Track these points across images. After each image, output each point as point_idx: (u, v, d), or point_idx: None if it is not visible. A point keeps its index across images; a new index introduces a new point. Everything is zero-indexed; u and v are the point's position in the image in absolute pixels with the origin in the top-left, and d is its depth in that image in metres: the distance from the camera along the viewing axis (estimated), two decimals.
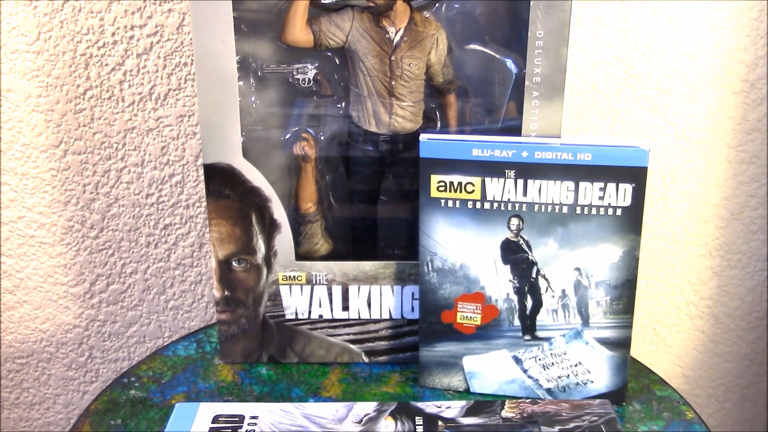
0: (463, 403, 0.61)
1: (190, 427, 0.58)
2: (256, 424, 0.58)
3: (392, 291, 0.71)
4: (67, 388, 0.97)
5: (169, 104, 0.82)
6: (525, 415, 0.59)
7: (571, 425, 0.57)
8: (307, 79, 0.67)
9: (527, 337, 0.67)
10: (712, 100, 0.85)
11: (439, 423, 0.58)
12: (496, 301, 0.66)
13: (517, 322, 0.67)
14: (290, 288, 0.70)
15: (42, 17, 0.78)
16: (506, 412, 0.59)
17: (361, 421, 0.58)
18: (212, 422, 0.58)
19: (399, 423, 0.58)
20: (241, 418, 0.59)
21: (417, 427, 0.57)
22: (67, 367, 0.96)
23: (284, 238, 0.69)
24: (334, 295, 0.71)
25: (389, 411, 0.59)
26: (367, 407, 0.60)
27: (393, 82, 0.66)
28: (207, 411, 0.60)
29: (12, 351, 0.94)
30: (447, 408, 0.60)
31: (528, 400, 0.61)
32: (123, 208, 0.87)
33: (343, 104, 0.69)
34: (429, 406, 0.60)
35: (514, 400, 0.61)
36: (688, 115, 0.85)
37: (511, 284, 0.66)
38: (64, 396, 0.97)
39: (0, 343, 0.94)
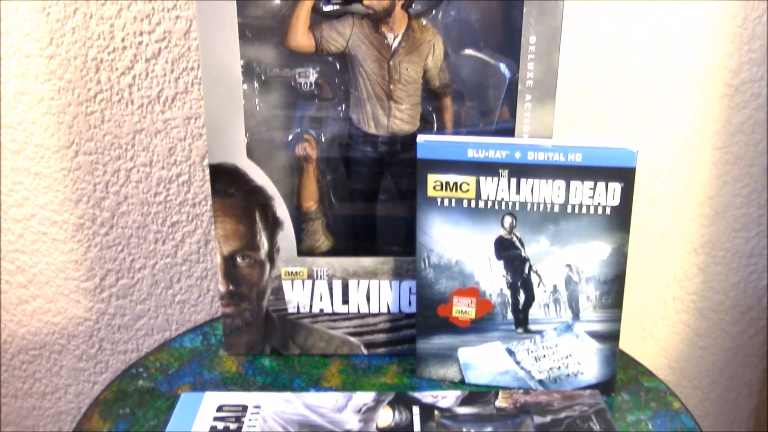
0: (458, 393, 0.61)
1: (195, 415, 0.58)
2: (258, 413, 0.58)
3: (390, 286, 0.71)
4: (78, 378, 0.97)
5: (176, 107, 0.83)
6: (518, 404, 0.59)
7: (562, 414, 0.57)
8: (308, 83, 0.67)
9: (520, 330, 0.67)
10: (697, 103, 0.85)
11: (435, 412, 0.58)
12: (490, 295, 0.67)
13: (510, 315, 0.67)
14: (292, 283, 0.71)
15: (54, 23, 0.79)
16: (500, 402, 0.60)
17: (360, 410, 0.58)
18: (216, 411, 0.58)
19: (396, 412, 0.58)
20: (245, 407, 0.59)
21: (414, 416, 0.58)
22: (78, 359, 0.96)
23: (287, 235, 0.69)
24: (335, 290, 0.71)
25: (387, 401, 0.60)
26: (366, 397, 0.60)
27: (391, 86, 0.67)
28: (212, 400, 0.60)
29: (25, 343, 0.95)
30: (443, 398, 0.60)
31: (521, 391, 0.61)
32: (132, 207, 0.87)
33: (344, 107, 0.69)
34: (425, 396, 0.60)
35: (508, 391, 0.62)
36: (675, 119, 0.86)
37: (504, 279, 0.66)
38: (75, 386, 0.98)
39: (15, 335, 0.95)
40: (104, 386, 0.76)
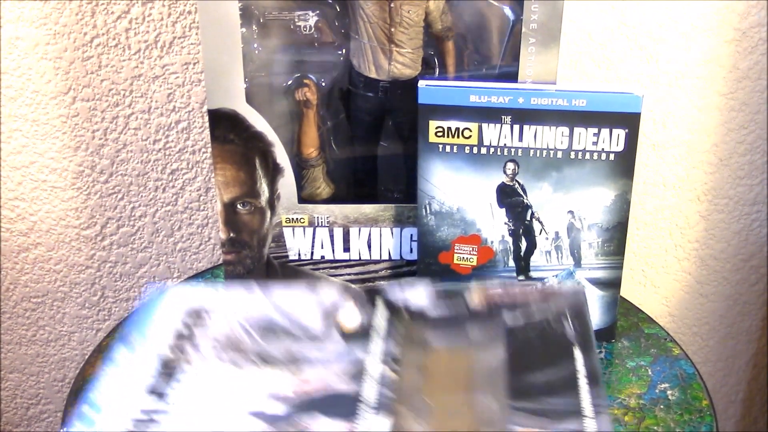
0: (429, 289, 0.55)
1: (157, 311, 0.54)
2: (219, 312, 0.53)
3: (392, 233, 0.71)
4: (81, 325, 0.98)
5: (174, 52, 0.82)
6: (491, 304, 0.54)
7: (537, 317, 0.52)
8: (308, 26, 0.67)
9: (521, 278, 0.68)
10: (704, 48, 0.85)
11: (404, 315, 0.54)
12: (492, 242, 0.67)
13: (511, 263, 0.67)
14: (293, 230, 0.71)
15: None
16: (472, 300, 0.54)
17: (325, 309, 0.53)
18: (180, 308, 0.54)
19: (362, 313, 0.53)
20: (205, 310, 0.54)
21: (379, 318, 0.53)
22: (80, 306, 0.97)
23: (287, 182, 0.69)
24: (336, 237, 0.71)
25: (354, 297, 0.54)
26: (332, 295, 0.54)
27: (392, 29, 0.66)
28: (176, 297, 0.55)
29: (28, 291, 0.95)
30: (412, 294, 0.55)
31: (497, 283, 0.58)
32: (131, 154, 0.87)
33: (344, 51, 0.68)
34: (395, 292, 0.55)
35: (482, 286, 0.56)
36: (681, 64, 0.85)
37: (506, 227, 0.66)
38: (79, 333, 0.99)
39: (17, 283, 0.95)
40: (107, 333, 0.77)
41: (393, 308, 0.54)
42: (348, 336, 0.51)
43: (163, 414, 0.46)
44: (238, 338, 0.52)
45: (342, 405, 0.45)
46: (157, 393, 0.47)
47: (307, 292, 0.55)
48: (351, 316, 0.53)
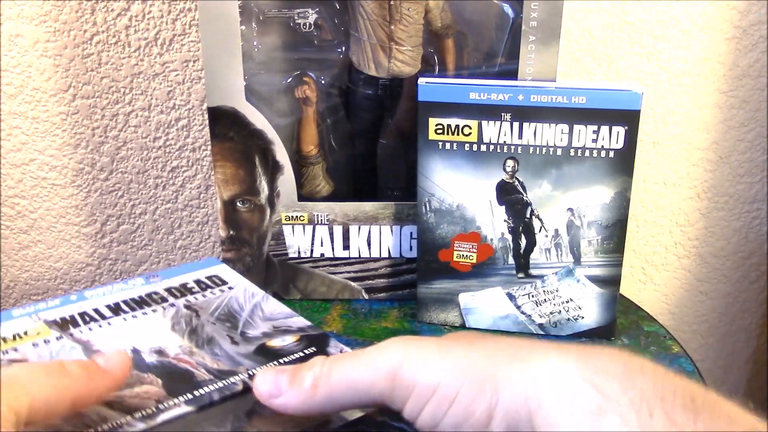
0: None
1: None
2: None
3: (391, 231, 0.71)
4: None
5: (174, 49, 0.82)
6: None
7: None
8: (307, 24, 0.67)
9: (521, 275, 0.68)
10: (704, 45, 0.84)
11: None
12: (492, 240, 0.67)
13: (511, 260, 0.67)
14: (293, 228, 0.71)
15: None
16: None
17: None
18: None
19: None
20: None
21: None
22: None
23: (287, 180, 0.69)
24: (335, 235, 0.71)
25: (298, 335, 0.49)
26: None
27: (392, 27, 0.66)
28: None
29: (28, 288, 0.95)
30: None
31: None
32: (131, 151, 0.87)
33: (344, 48, 0.68)
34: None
35: None
36: (681, 61, 0.85)
37: (506, 224, 0.66)
38: None
39: (17, 281, 0.95)
40: None
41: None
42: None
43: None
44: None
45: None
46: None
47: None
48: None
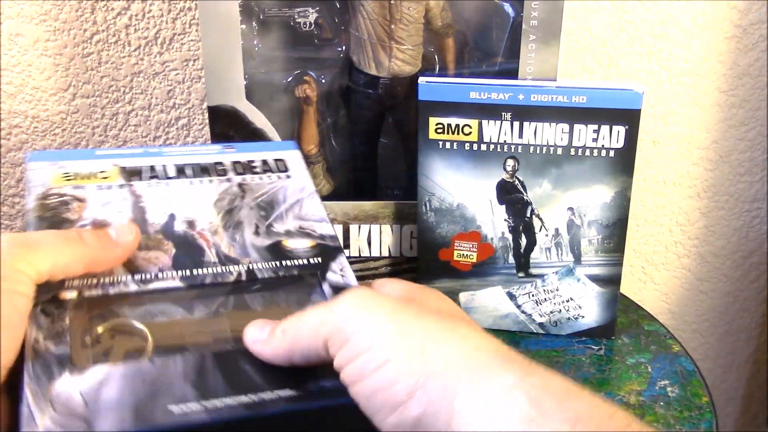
0: None
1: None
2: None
3: (392, 230, 0.71)
4: None
5: (174, 48, 0.82)
6: None
7: None
8: (308, 23, 0.67)
9: (521, 274, 0.68)
10: (704, 45, 0.84)
11: None
12: (492, 239, 0.67)
13: (511, 259, 0.67)
14: None
15: None
16: None
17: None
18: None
19: None
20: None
21: None
22: None
23: None
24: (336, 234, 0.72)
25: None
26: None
27: (393, 26, 0.66)
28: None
29: None
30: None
31: None
32: None
33: (344, 48, 0.68)
34: None
35: None
36: (681, 60, 0.85)
37: (506, 223, 0.66)
38: None
39: None
40: None
41: None
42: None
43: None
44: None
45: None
46: None
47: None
48: None
